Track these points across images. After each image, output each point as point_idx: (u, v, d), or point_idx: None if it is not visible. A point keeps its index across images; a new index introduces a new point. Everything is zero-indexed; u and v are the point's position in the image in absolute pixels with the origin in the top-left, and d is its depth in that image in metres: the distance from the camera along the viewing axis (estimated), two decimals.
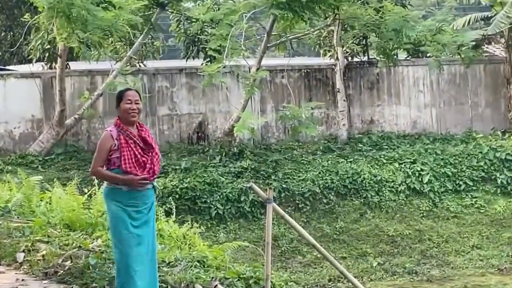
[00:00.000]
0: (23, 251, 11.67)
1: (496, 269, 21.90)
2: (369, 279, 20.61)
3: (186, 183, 21.36)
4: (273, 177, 22.44)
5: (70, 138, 24.12)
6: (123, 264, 8.08)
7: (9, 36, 33.02)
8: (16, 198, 15.19)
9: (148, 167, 7.92)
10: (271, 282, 10.28)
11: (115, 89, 20.02)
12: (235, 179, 22.60)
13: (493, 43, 29.52)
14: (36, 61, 25.71)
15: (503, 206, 23.66)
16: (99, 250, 11.12)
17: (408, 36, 24.02)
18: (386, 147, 25.05)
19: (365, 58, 27.51)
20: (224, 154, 23.81)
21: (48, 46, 24.26)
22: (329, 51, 27.47)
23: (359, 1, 24.74)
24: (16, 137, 23.91)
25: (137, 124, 8.14)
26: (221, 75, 22.29)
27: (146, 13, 23.82)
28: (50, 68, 25.18)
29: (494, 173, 24.44)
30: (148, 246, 8.19)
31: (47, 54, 24.86)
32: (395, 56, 26.58)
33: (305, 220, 21.02)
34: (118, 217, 8.03)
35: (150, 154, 8.03)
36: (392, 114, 26.89)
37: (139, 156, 7.91)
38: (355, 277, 16.08)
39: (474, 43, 26.43)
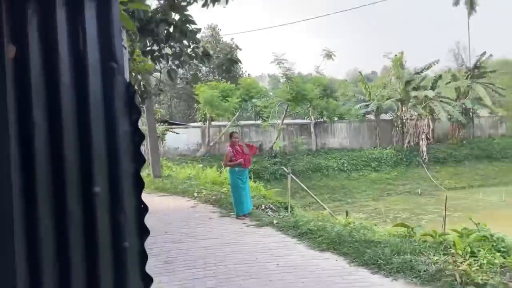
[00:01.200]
0: (196, 192, 18.83)
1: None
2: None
3: (256, 166, 30.23)
4: (288, 164, 30.84)
5: (211, 151, 36.60)
6: (237, 197, 13.86)
7: (189, 112, 48.84)
8: (193, 173, 24.99)
9: (243, 160, 13.51)
10: (291, 206, 15.29)
11: (229, 132, 26.92)
12: (273, 165, 34.64)
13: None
14: (199, 121, 39.93)
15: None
16: (226, 191, 17.59)
17: (337, 112, 40.44)
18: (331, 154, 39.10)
19: (322, 119, 40.77)
20: (269, 155, 36.67)
21: (204, 115, 37.31)
22: (308, 117, 40.89)
23: (320, 98, 37.81)
24: (191, 149, 37.33)
25: (238, 144, 13.94)
26: (268, 125, 37.88)
27: (241, 102, 36.44)
28: (204, 123, 38.34)
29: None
30: (246, 190, 13.88)
31: (203, 118, 38.05)
32: (334, 119, 40.63)
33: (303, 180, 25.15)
34: (234, 180, 13.83)
35: (245, 155, 13.79)
36: (332, 140, 40.92)
37: (239, 156, 13.66)
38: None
39: (363, 112, 41.68)
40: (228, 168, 14.40)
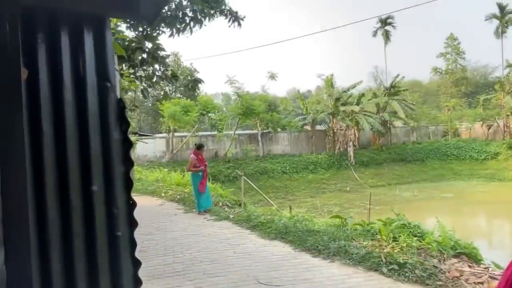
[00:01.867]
0: (164, 192, 19.00)
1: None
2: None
3: (212, 170, 30.76)
4: (239, 168, 32.46)
5: (175, 157, 36.76)
6: (198, 195, 13.96)
7: (155, 125, 48.05)
8: (160, 176, 24.73)
9: (203, 166, 13.67)
10: (244, 203, 15.31)
11: (194, 142, 34.50)
12: (227, 169, 34.36)
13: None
14: (164, 132, 40.59)
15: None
16: (188, 191, 17.39)
17: (280, 124, 41.32)
18: (275, 159, 39.71)
19: (267, 130, 40.67)
20: (223, 161, 36.61)
21: (168, 127, 37.44)
22: (256, 128, 40.83)
23: (266, 112, 38.62)
24: (157, 156, 36.99)
25: (201, 154, 14.08)
26: (223, 136, 38.77)
27: (199, 116, 36.98)
28: (168, 134, 38.21)
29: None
30: (206, 190, 13.90)
31: (167, 129, 38.49)
32: (278, 129, 41.09)
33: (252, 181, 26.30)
34: (196, 181, 13.88)
35: (204, 162, 14.00)
36: (276, 148, 40.93)
37: (201, 163, 13.77)
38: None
39: (301, 123, 42.12)
40: (191, 173, 14.16)
